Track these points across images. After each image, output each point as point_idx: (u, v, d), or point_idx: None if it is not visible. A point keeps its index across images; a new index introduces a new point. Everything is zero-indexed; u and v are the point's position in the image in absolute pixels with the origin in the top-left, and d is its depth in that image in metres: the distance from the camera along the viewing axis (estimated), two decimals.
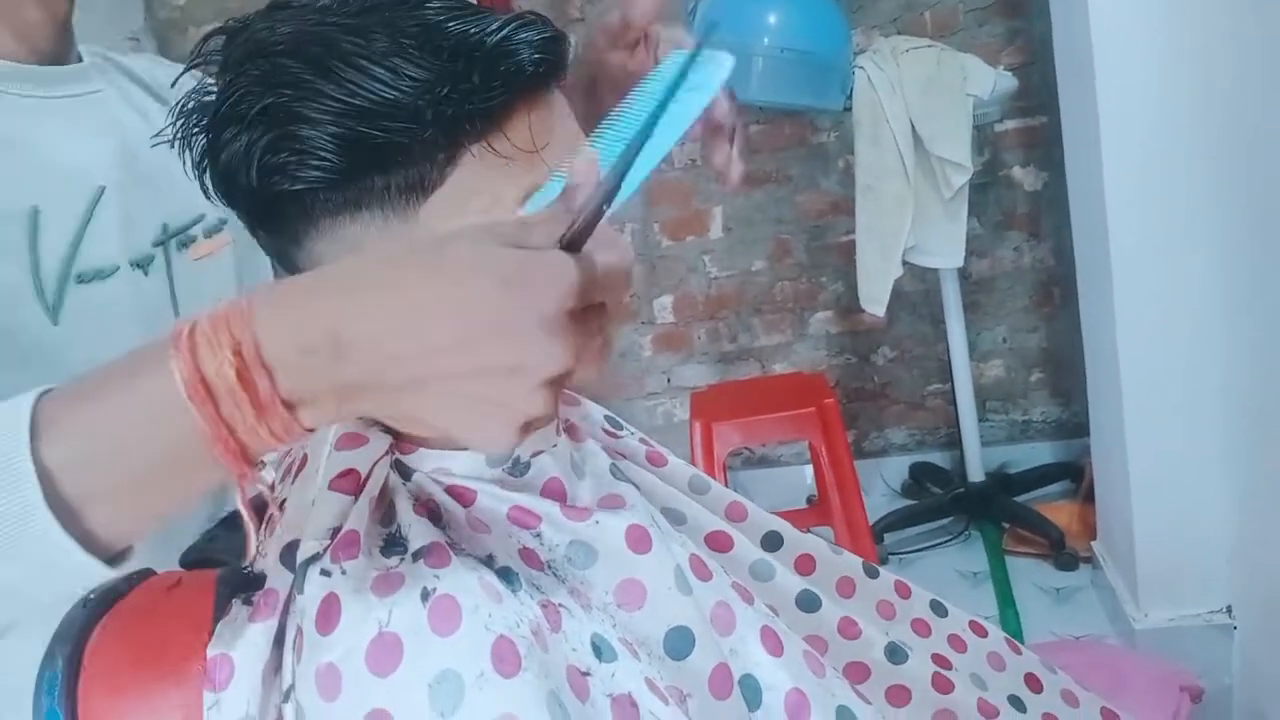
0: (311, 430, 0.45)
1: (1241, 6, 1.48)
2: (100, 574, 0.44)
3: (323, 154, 0.51)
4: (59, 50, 0.81)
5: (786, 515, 0.80)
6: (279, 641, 0.53)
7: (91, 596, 0.56)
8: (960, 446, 2.65)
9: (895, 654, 0.75)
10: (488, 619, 0.52)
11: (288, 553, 0.55)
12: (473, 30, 0.53)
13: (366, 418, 0.61)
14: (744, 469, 3.00)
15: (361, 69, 0.51)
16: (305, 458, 0.60)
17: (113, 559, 0.45)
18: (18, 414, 0.42)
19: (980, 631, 0.85)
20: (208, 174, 0.56)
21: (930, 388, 2.90)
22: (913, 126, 2.16)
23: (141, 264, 0.79)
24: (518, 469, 0.61)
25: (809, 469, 2.78)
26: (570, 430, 0.67)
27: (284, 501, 0.59)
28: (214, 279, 0.85)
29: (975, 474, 2.62)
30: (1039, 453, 2.83)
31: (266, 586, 0.54)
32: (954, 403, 2.62)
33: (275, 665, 0.53)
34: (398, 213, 0.54)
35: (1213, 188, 1.65)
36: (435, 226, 0.53)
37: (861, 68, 2.17)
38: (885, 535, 2.54)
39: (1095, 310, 1.98)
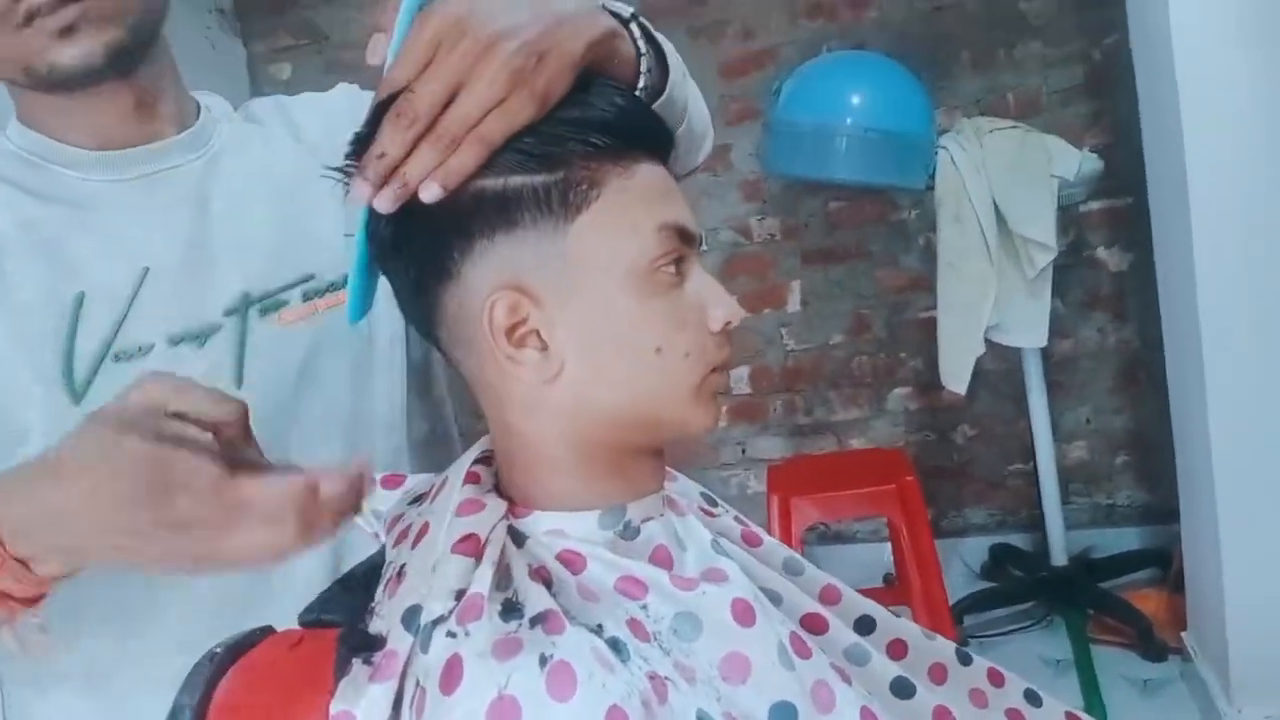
0: (55, 577, 0.59)
1: None
2: None
3: (500, 159, 0.58)
4: (133, 136, 0.82)
5: (863, 594, 0.81)
6: (397, 702, 0.55)
7: (218, 650, 0.59)
8: (1042, 529, 2.60)
9: None
10: (601, 687, 0.53)
11: (410, 615, 0.56)
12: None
13: (485, 484, 0.65)
14: (819, 544, 2.96)
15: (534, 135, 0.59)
16: (426, 525, 0.63)
17: None
18: None
19: None
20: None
21: (1011, 467, 2.85)
22: (996, 206, 2.17)
23: (195, 337, 0.79)
24: (629, 532, 0.63)
25: (886, 547, 2.74)
26: (671, 504, 0.69)
27: (404, 567, 0.62)
28: (304, 344, 0.82)
29: (1059, 558, 2.55)
30: (1125, 538, 2.75)
31: (387, 648, 0.56)
32: (1036, 484, 2.58)
33: None
34: (549, 233, 0.59)
35: None
36: (584, 244, 0.60)
37: (944, 147, 2.19)
38: (964, 617, 2.48)
39: (1185, 392, 1.94)
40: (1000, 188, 2.14)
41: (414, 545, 0.62)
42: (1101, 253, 2.68)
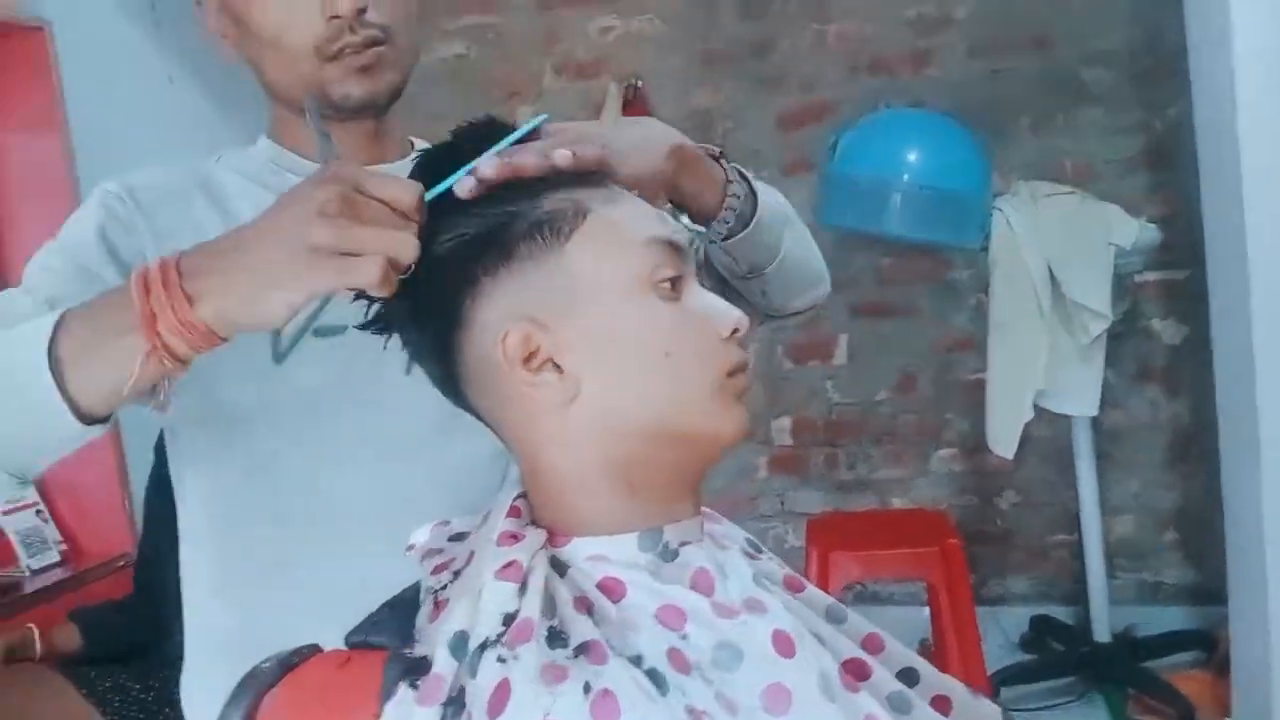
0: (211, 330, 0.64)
1: None
2: (75, 428, 0.67)
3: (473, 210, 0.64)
4: (364, 158, 0.91)
5: None
6: None
7: (266, 665, 0.60)
8: (1084, 602, 2.54)
9: None
10: (643, 718, 0.53)
11: (457, 641, 0.57)
12: None
13: (525, 518, 0.66)
14: (855, 604, 2.90)
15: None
16: (471, 554, 0.64)
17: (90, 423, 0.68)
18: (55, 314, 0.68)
19: None
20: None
21: (1055, 538, 2.80)
22: (1050, 270, 2.16)
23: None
24: (667, 554, 0.64)
25: (922, 611, 2.69)
26: (712, 539, 0.69)
27: (443, 593, 0.63)
28: None
29: (1101, 633, 2.49)
30: (1168, 617, 2.68)
31: (433, 672, 0.57)
32: (1079, 555, 2.53)
33: None
34: (545, 262, 0.64)
35: None
36: (583, 260, 0.64)
37: (1000, 209, 2.19)
38: (1002, 689, 2.42)
39: (1238, 469, 1.89)
40: (1055, 252, 2.13)
41: (457, 574, 0.63)
42: (1156, 324, 2.65)
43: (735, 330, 0.66)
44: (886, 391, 2.84)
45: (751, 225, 0.86)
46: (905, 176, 2.05)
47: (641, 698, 0.54)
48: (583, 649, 0.56)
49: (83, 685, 1.69)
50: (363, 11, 0.86)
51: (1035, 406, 2.25)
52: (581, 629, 0.58)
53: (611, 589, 0.61)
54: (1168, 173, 2.55)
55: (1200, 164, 1.95)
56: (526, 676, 0.54)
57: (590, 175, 0.67)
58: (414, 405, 0.85)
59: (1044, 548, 2.81)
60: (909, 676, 0.75)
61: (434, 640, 0.59)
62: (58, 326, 0.67)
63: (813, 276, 1.00)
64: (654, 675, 0.57)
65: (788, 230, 0.93)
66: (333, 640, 0.65)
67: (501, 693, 0.54)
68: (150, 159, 0.97)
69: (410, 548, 0.72)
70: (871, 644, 0.75)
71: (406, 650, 0.61)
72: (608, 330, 0.63)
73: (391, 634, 0.63)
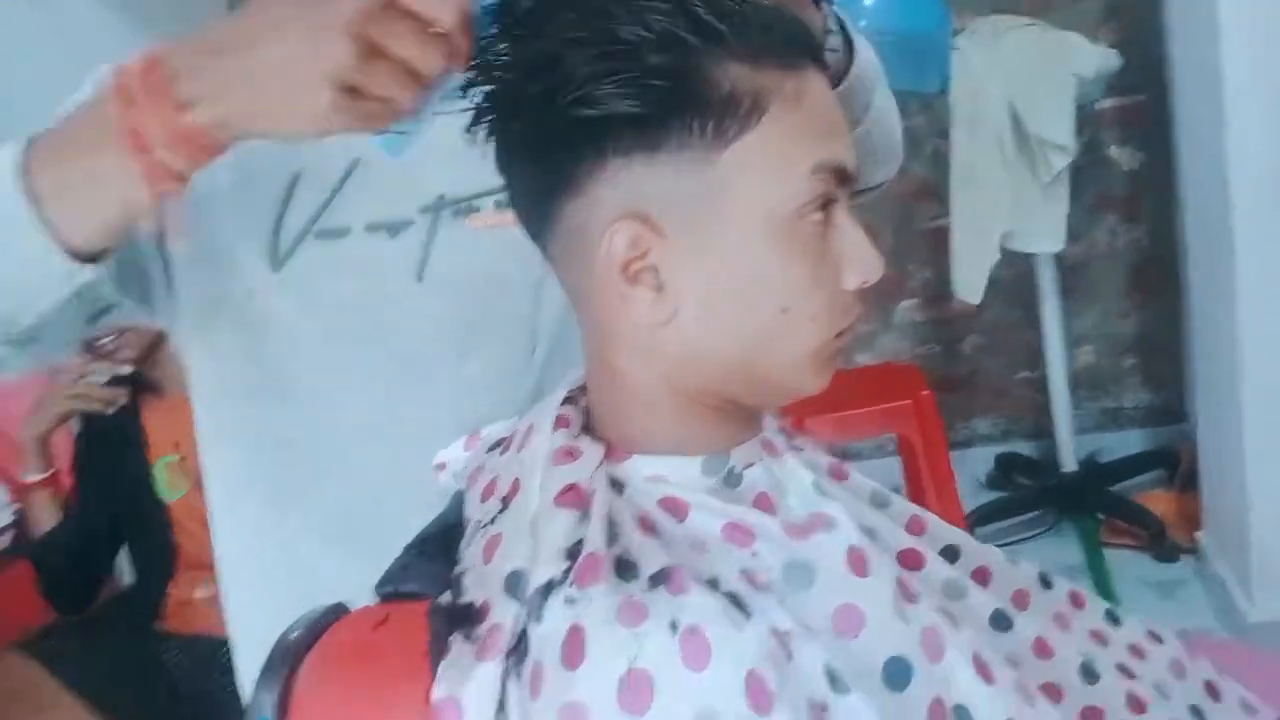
0: (206, 146, 0.56)
1: None
2: (65, 265, 0.60)
3: (650, 80, 0.52)
4: None
5: None
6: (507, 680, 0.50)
7: (294, 635, 0.54)
8: (1049, 436, 2.58)
9: (1089, 674, 0.72)
10: (737, 653, 0.49)
11: (514, 581, 0.52)
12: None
13: (574, 428, 0.60)
14: None
15: (693, 6, 0.53)
16: (516, 482, 0.58)
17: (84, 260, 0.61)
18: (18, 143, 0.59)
19: (1158, 639, 0.83)
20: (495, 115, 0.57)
21: (1019, 376, 2.82)
22: (1012, 109, 2.09)
23: (389, 227, 0.84)
24: (732, 479, 0.60)
25: (892, 462, 2.72)
26: (767, 445, 0.65)
27: (495, 524, 0.57)
28: (489, 250, 0.84)
29: (1067, 463, 2.54)
30: (1130, 440, 2.74)
31: (490, 620, 0.51)
32: (1043, 390, 2.55)
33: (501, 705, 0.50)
34: (692, 163, 0.54)
35: None
36: (732, 178, 0.54)
37: (959, 49, 2.10)
38: (976, 529, 2.48)
39: (1211, 289, 1.90)
40: (1018, 89, 2.06)
41: (505, 501, 0.57)
42: (1114, 152, 2.61)
43: (863, 282, 0.59)
44: None
45: (844, 82, 0.77)
46: (862, 22, 1.93)
47: (731, 629, 0.50)
48: (659, 578, 0.52)
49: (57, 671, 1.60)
50: None
51: (999, 248, 2.22)
52: (652, 554, 0.53)
53: (674, 509, 0.57)
54: None
55: None
56: (603, 619, 0.49)
57: (779, 31, 0.56)
58: (427, 317, 0.81)
59: (1008, 387, 2.84)
60: (950, 553, 0.74)
61: (489, 583, 0.53)
62: (28, 154, 0.59)
63: (895, 146, 0.93)
64: (734, 599, 0.53)
65: (878, 92, 0.86)
66: (346, 572, 0.59)
67: (575, 640, 0.49)
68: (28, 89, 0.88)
69: (440, 466, 0.67)
70: (915, 526, 0.74)
71: (449, 598, 0.55)
72: (732, 265, 0.55)
73: (426, 580, 0.57)
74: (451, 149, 0.85)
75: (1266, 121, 1.63)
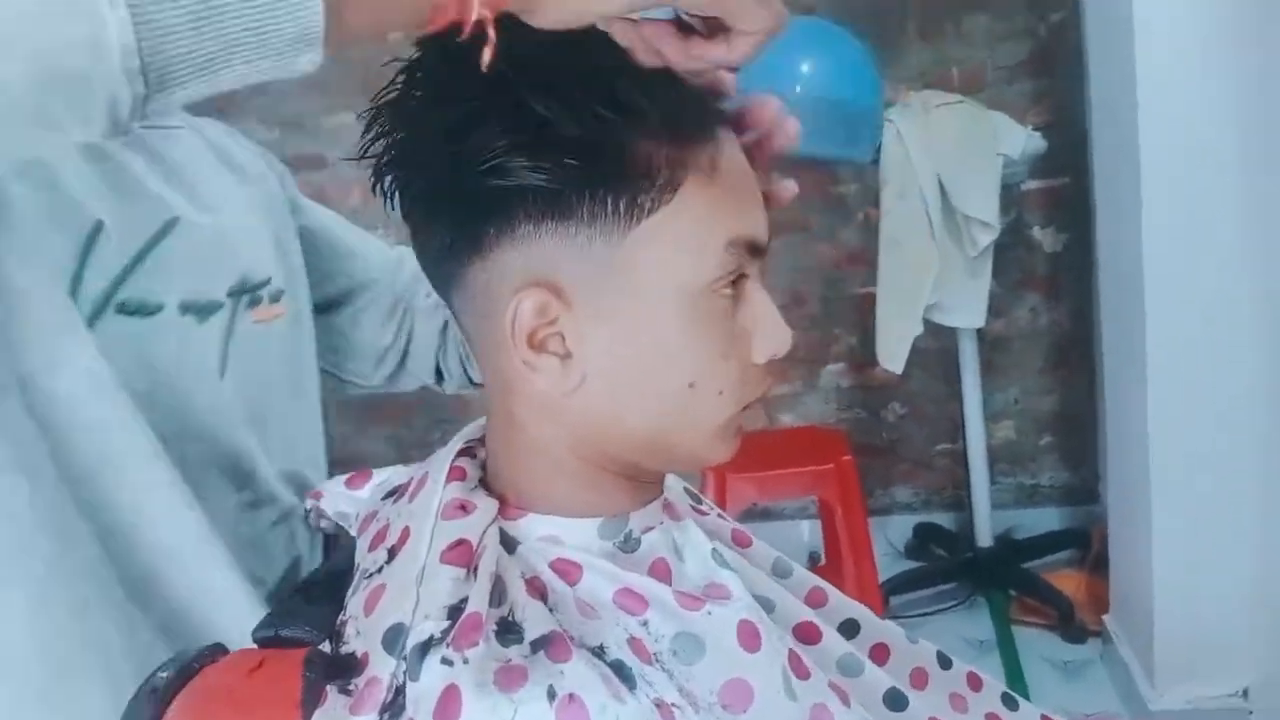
0: None
1: None
2: None
3: (565, 156, 0.50)
4: None
5: None
6: None
7: (162, 675, 0.50)
8: (966, 508, 2.60)
9: None
10: None
11: (392, 636, 0.49)
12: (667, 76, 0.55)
13: (470, 481, 0.58)
14: (744, 521, 2.92)
15: (611, 80, 0.51)
16: (405, 531, 0.55)
17: None
18: None
19: None
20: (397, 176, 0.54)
21: (939, 447, 2.85)
22: (940, 183, 2.13)
23: (200, 311, 0.73)
24: (629, 543, 0.58)
25: (809, 525, 2.71)
26: (668, 508, 0.63)
27: (381, 573, 0.55)
28: (267, 348, 0.79)
29: (984, 539, 2.56)
30: (1046, 518, 2.77)
31: (368, 673, 0.49)
32: (963, 463, 2.57)
33: None
34: (604, 234, 0.52)
35: (1259, 251, 1.62)
36: (644, 252, 0.53)
37: (891, 120, 2.14)
38: (891, 598, 2.47)
39: (1122, 369, 1.93)
40: (946, 164, 2.09)
41: (392, 552, 0.55)
42: (1037, 233, 2.67)
43: (774, 355, 0.58)
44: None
45: None
46: (798, 88, 1.96)
47: (610, 698, 0.48)
48: (541, 643, 0.50)
49: None
50: None
51: (923, 320, 2.24)
52: (537, 618, 0.51)
53: (566, 571, 0.55)
54: (1050, 79, 2.55)
55: (1090, 67, 1.94)
56: (478, 681, 0.47)
57: (694, 103, 0.55)
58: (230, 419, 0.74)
59: (929, 458, 2.86)
60: (849, 628, 0.74)
61: (370, 635, 0.50)
62: None
63: None
64: (620, 669, 0.51)
65: None
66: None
67: (450, 700, 0.47)
68: None
69: (316, 496, 0.64)
70: (815, 598, 0.73)
71: (331, 646, 0.52)
72: (641, 337, 0.54)
73: (308, 625, 0.54)
74: (242, 226, 0.80)
75: (1183, 205, 1.67)
